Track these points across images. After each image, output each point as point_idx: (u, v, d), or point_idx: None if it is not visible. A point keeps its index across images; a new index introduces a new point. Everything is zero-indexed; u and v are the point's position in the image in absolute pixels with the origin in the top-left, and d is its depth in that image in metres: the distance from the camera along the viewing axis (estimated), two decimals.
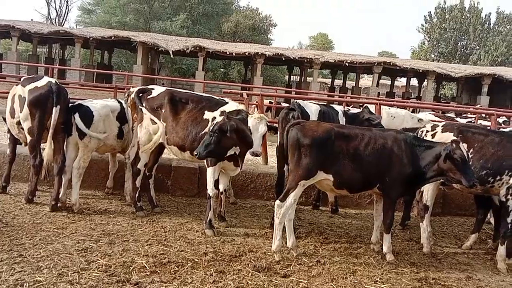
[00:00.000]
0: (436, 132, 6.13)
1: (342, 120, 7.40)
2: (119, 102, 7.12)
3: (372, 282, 5.00)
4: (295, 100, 7.33)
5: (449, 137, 5.93)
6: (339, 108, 7.76)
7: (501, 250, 5.85)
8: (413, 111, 19.72)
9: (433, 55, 55.86)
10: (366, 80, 52.90)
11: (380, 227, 5.92)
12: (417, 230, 6.78)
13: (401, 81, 48.34)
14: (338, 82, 47.58)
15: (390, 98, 33.99)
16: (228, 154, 5.86)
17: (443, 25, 55.43)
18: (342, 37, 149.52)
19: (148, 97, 6.59)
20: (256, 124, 5.79)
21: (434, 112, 14.99)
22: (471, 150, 5.82)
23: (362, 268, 5.35)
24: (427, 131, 6.23)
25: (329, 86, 44.63)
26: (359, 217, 7.62)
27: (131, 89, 6.85)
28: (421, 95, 36.70)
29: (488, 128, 6.36)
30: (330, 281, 4.92)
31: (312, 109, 7.05)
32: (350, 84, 46.75)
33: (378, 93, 36.26)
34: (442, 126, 6.18)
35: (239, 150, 5.93)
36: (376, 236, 6.01)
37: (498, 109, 16.90)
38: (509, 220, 5.79)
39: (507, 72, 33.61)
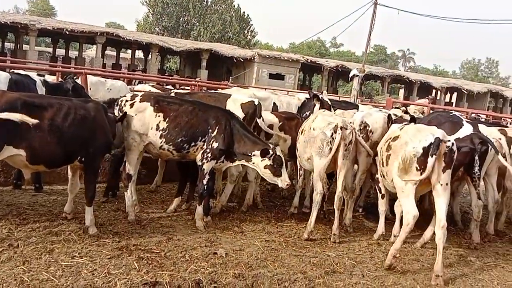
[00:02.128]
0: (135, 102, 6.21)
1: (41, 90, 6.85)
2: None
3: (70, 258, 4.84)
4: None
5: (146, 106, 6.12)
6: (37, 78, 7.13)
7: (199, 209, 6.40)
8: (140, 83, 19.97)
9: (157, 29, 57.38)
10: (94, 51, 50.87)
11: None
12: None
13: (129, 53, 48.15)
14: (63, 51, 44.31)
15: (116, 69, 33.72)
16: None
17: None
18: (67, 4, 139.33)
19: None
20: None
21: (154, 84, 15.44)
22: (167, 119, 6.12)
23: (61, 246, 5.12)
24: (127, 101, 6.26)
25: (51, 55, 41.31)
26: (67, 193, 7.22)
27: None
28: (146, 67, 37.45)
29: (184, 98, 6.82)
30: (22, 264, 4.58)
31: (1, 77, 6.28)
32: (75, 54, 44.17)
33: (104, 64, 35.41)
34: (140, 96, 6.30)
35: None
36: (70, 207, 5.96)
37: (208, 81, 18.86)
38: (204, 181, 6.35)
39: (222, 48, 37.15)
